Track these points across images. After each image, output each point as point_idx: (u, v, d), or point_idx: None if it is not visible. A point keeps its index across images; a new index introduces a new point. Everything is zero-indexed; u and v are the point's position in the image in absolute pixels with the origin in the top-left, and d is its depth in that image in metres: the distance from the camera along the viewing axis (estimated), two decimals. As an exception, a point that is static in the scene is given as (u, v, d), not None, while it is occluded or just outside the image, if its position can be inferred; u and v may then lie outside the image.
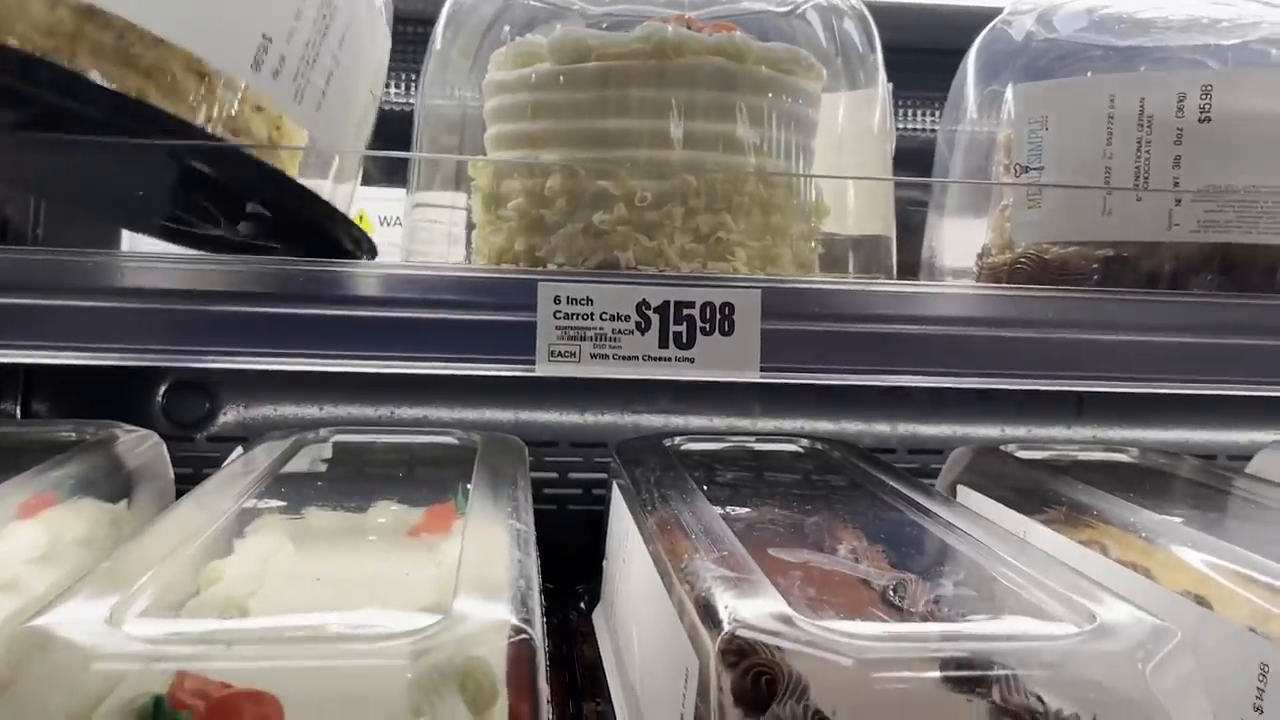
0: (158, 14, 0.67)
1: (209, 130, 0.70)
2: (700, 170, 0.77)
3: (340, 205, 0.81)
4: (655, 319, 0.70)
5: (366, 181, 1.19)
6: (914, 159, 1.11)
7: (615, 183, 0.76)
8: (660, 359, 0.70)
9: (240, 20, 0.70)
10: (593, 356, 0.69)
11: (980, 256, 0.92)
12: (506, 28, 0.87)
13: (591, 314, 0.69)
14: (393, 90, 1.27)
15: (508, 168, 0.81)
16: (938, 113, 1.25)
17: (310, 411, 1.26)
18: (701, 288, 0.70)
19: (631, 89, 0.77)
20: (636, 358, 0.70)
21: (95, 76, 0.66)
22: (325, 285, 0.69)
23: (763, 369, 0.70)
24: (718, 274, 0.75)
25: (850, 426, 1.37)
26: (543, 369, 0.69)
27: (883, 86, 0.91)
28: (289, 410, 1.25)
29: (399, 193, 1.03)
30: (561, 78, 0.78)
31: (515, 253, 0.80)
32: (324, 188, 0.81)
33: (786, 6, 0.91)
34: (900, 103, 1.37)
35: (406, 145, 0.96)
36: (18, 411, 1.17)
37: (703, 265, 0.77)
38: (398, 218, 1.16)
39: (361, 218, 1.16)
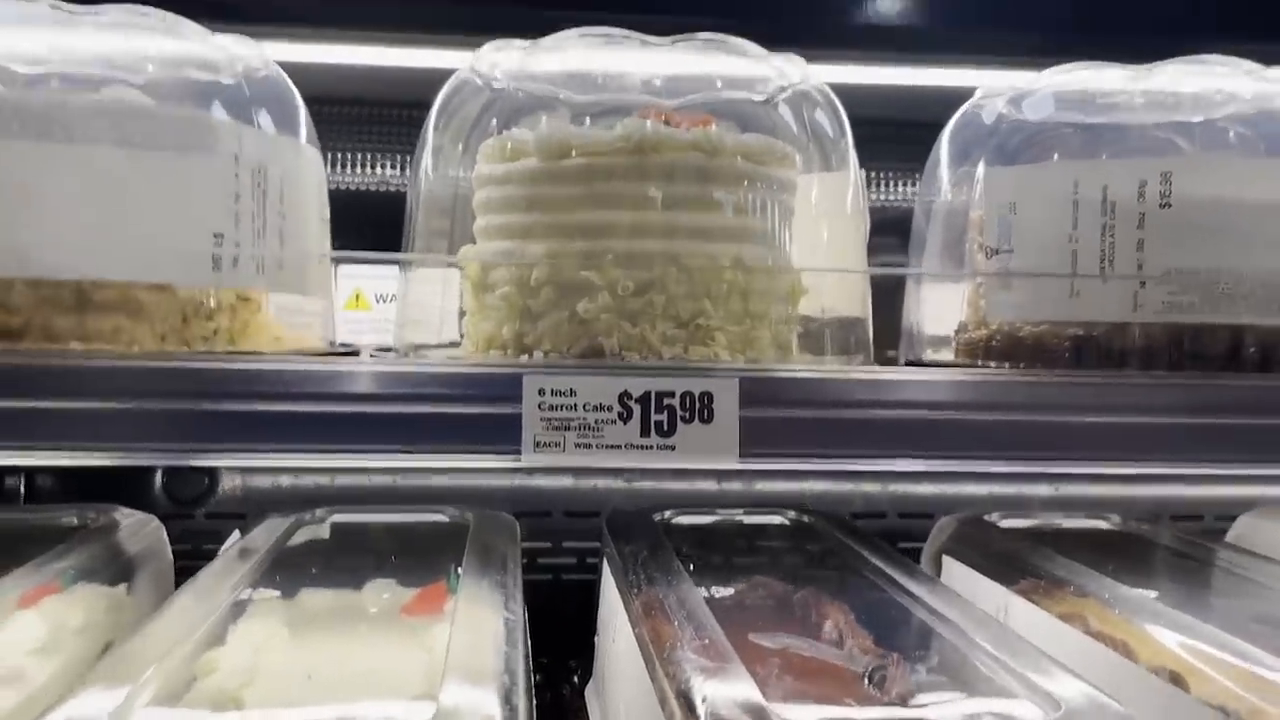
0: (115, 264, 0.72)
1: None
2: (680, 260, 0.79)
3: (319, 318, 0.86)
4: (637, 409, 0.72)
5: (362, 260, 1.23)
6: (894, 226, 1.14)
7: (599, 273, 0.79)
8: (642, 447, 0.72)
9: (189, 233, 0.74)
10: (577, 446, 0.72)
11: (957, 332, 0.95)
12: (494, 120, 0.90)
13: (575, 405, 0.72)
14: (387, 170, 1.30)
15: (495, 258, 0.84)
16: (916, 179, 1.29)
17: (309, 482, 1.28)
18: (681, 377, 0.72)
19: (614, 183, 0.80)
20: (619, 446, 0.72)
21: (75, 345, 0.71)
22: (318, 383, 0.71)
23: (742, 455, 0.72)
24: (697, 364, 0.77)
25: (841, 487, 1.38)
26: (528, 459, 0.71)
27: (854, 170, 0.93)
28: (287, 482, 1.27)
29: (394, 270, 1.07)
30: (547, 173, 0.81)
31: (504, 339, 0.83)
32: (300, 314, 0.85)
33: (762, 95, 0.95)
34: (881, 172, 1.41)
35: (400, 221, 1.00)
36: (21, 486, 1.19)
37: (684, 350, 0.80)
38: (393, 294, 1.19)
39: (358, 296, 1.19)
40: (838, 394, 0.74)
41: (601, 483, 1.32)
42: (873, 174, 1.40)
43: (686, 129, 0.83)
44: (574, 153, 0.81)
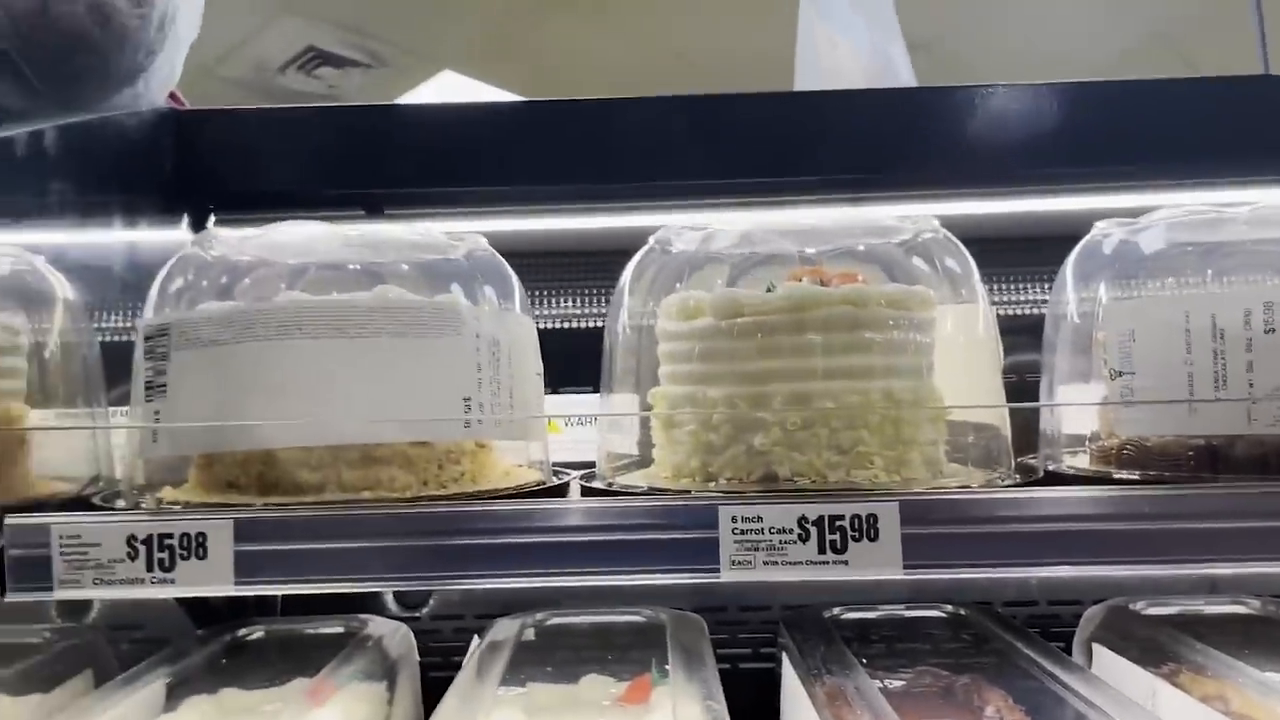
0: (392, 429, 0.91)
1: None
2: (838, 397, 0.94)
3: (535, 451, 1.04)
4: (814, 530, 0.86)
5: (556, 390, 1.42)
6: (1027, 328, 1.26)
7: (770, 412, 0.94)
8: (820, 563, 0.86)
9: (446, 400, 0.93)
10: (765, 564, 0.87)
11: (1090, 440, 1.06)
12: (677, 284, 1.07)
13: (762, 529, 0.87)
14: (581, 308, 1.51)
15: (680, 400, 1.00)
16: (1045, 287, 1.41)
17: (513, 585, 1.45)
18: (849, 503, 0.86)
19: (779, 336, 0.95)
20: (800, 563, 0.87)
21: (365, 493, 0.91)
22: (550, 518, 0.89)
23: (905, 567, 0.86)
24: (863, 489, 0.91)
25: (995, 574, 1.47)
26: (726, 576, 0.87)
27: (982, 300, 1.07)
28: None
29: (580, 397, 1.26)
30: (722, 330, 0.97)
31: (691, 468, 0.99)
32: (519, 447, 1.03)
33: (899, 239, 1.10)
34: (1013, 281, 1.53)
35: (581, 350, 1.19)
36: (279, 596, 1.41)
37: (847, 474, 0.94)
38: (579, 418, 1.38)
39: (550, 422, 1.38)
40: (984, 511, 0.86)
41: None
42: (1007, 283, 1.52)
43: (837, 284, 0.99)
44: (744, 312, 0.97)
